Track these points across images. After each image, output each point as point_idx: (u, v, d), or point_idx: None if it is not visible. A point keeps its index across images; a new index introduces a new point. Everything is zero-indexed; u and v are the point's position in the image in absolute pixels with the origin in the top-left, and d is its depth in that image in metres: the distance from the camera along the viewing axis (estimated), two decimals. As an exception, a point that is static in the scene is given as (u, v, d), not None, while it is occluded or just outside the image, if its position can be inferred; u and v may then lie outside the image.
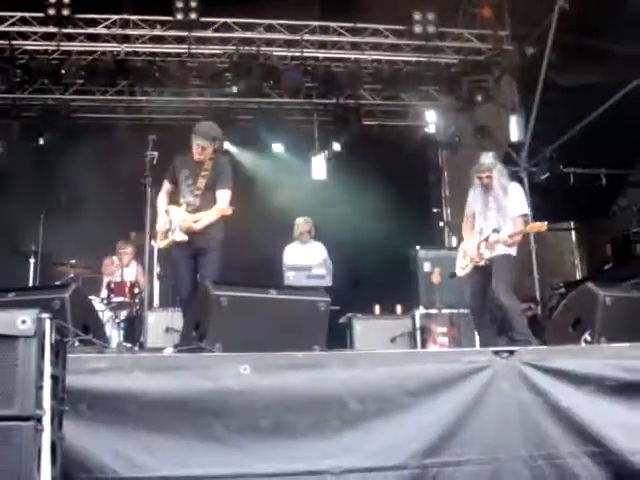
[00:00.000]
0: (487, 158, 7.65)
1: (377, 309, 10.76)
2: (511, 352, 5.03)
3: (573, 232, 14.42)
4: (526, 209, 7.77)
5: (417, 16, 11.98)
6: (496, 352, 5.06)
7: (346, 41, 12.57)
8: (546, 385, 4.92)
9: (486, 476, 4.74)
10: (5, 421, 3.14)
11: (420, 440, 4.73)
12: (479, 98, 12.56)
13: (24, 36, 11.82)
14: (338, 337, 9.62)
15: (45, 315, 3.30)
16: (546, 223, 7.47)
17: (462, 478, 4.72)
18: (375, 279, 11.59)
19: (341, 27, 12.44)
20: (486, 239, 7.50)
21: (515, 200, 7.60)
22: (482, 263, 7.50)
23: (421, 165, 14.64)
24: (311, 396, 4.68)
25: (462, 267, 7.77)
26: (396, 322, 10.40)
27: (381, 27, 12.45)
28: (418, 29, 12.01)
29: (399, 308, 10.70)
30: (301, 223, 10.79)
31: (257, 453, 4.52)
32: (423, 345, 9.66)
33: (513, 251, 7.48)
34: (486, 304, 7.60)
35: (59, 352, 3.63)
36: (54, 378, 3.49)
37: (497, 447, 4.78)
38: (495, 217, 7.56)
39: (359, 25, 12.43)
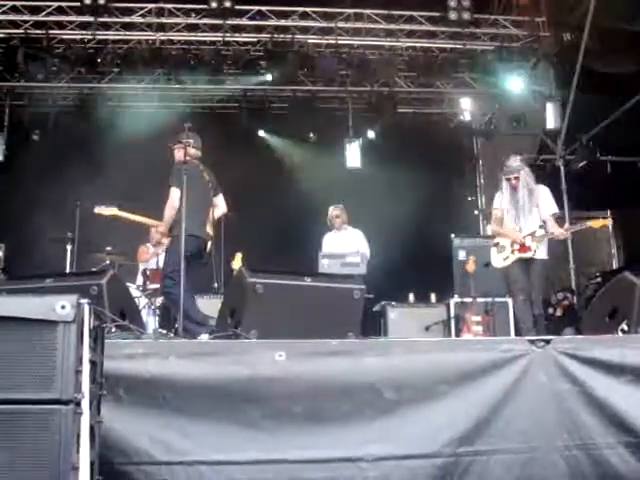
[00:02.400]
0: (514, 161, 8.02)
1: (411, 297, 10.75)
2: (547, 341, 5.00)
3: (610, 221, 14.23)
4: (557, 208, 8.13)
5: (452, 2, 11.85)
6: (532, 341, 5.03)
7: (381, 28, 12.49)
8: (582, 375, 4.88)
9: (520, 465, 4.73)
10: (45, 404, 3.18)
11: (454, 429, 4.72)
12: (515, 85, 12.44)
13: (60, 25, 11.91)
14: (372, 325, 9.63)
15: (84, 301, 3.34)
16: (609, 219, 8.11)
17: (496, 467, 4.71)
18: (409, 267, 11.56)
19: (376, 14, 12.36)
20: (532, 234, 7.80)
21: (546, 201, 8.01)
22: (529, 255, 7.79)
23: (456, 153, 14.51)
24: (345, 383, 4.69)
25: (504, 258, 8.01)
26: (430, 310, 10.39)
27: (416, 14, 12.36)
28: (453, 16, 11.89)
29: (433, 296, 10.68)
30: (330, 210, 10.84)
31: (291, 439, 4.55)
32: (457, 334, 9.64)
33: (547, 255, 7.88)
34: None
35: (97, 337, 3.68)
36: (92, 363, 3.53)
37: (532, 437, 4.76)
38: (530, 215, 7.90)
39: (394, 12, 12.34)
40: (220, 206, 7.94)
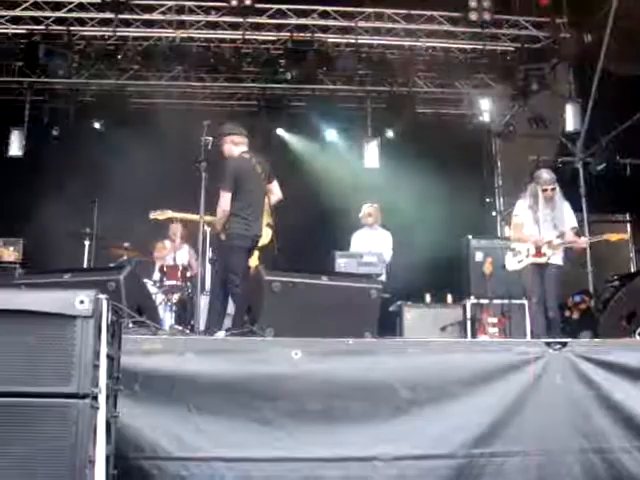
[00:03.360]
0: (548, 173, 8.22)
1: (428, 297, 10.72)
2: (564, 344, 4.99)
3: (628, 224, 14.16)
4: (576, 223, 8.29)
5: (473, 3, 11.79)
6: (548, 343, 5.02)
7: (400, 28, 12.46)
8: (599, 378, 4.87)
9: (536, 468, 4.72)
10: (63, 398, 3.21)
11: (469, 430, 4.72)
12: (534, 86, 12.37)
13: (81, 22, 11.96)
14: (388, 325, 9.61)
15: (102, 296, 3.36)
16: (628, 234, 7.93)
17: (511, 469, 4.70)
18: (426, 268, 11.52)
19: (395, 14, 12.32)
20: (549, 242, 7.89)
21: (569, 214, 8.17)
22: (542, 260, 7.88)
23: (474, 154, 14.45)
24: (361, 382, 4.70)
25: (518, 261, 8.10)
26: (447, 311, 10.36)
27: (436, 14, 12.31)
28: (473, 16, 11.83)
29: (450, 297, 10.65)
30: (364, 207, 10.88)
31: (306, 437, 4.56)
32: (473, 335, 9.60)
33: (562, 262, 7.99)
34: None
35: (115, 332, 3.70)
36: (110, 358, 3.55)
37: (547, 439, 4.75)
38: (552, 226, 8.00)
39: (413, 12, 12.30)
40: (275, 193, 7.73)
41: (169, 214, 8.64)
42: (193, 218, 7.64)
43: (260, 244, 7.50)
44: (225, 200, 7.17)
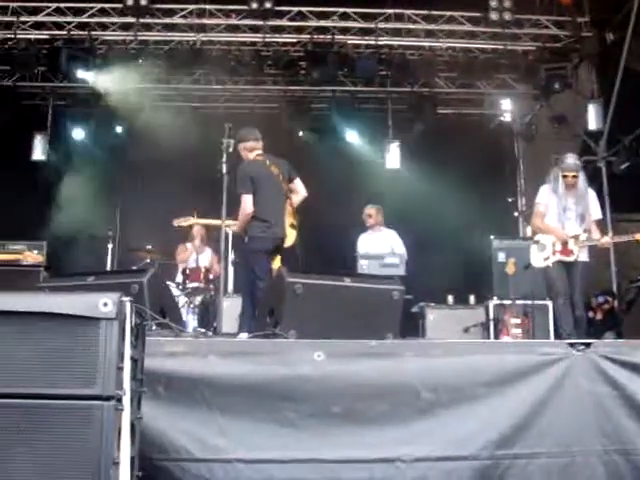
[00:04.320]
0: (573, 158, 7.82)
1: (450, 299, 10.70)
2: (587, 345, 4.96)
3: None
4: (601, 215, 7.99)
5: (493, 2, 11.78)
6: (572, 344, 4.99)
7: (421, 29, 12.45)
8: (623, 379, 4.83)
9: (559, 469, 4.69)
10: (87, 400, 3.22)
11: (492, 431, 4.70)
12: (556, 86, 12.31)
13: (103, 26, 12.07)
14: (411, 326, 9.61)
15: (126, 298, 3.38)
16: None
17: (535, 471, 4.67)
18: (449, 268, 11.49)
19: (416, 14, 12.33)
20: (576, 237, 7.67)
21: (594, 205, 7.88)
22: (571, 259, 7.67)
23: (496, 154, 14.41)
24: (383, 384, 4.69)
25: (544, 258, 7.83)
26: (469, 312, 10.34)
27: (456, 14, 12.30)
28: (494, 16, 11.81)
29: (472, 298, 10.62)
30: (365, 209, 10.86)
31: (329, 439, 4.56)
32: (496, 336, 9.57)
33: (588, 258, 7.79)
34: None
35: (138, 335, 3.72)
36: (134, 360, 3.57)
37: (571, 441, 4.72)
38: (575, 216, 7.76)
39: (434, 12, 12.30)
40: (299, 191, 7.74)
41: (192, 220, 8.70)
42: (215, 223, 7.65)
43: (285, 245, 7.51)
44: (247, 203, 7.20)
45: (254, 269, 7.19)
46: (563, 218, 7.77)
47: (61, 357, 3.26)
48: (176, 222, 8.71)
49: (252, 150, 7.55)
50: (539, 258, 7.91)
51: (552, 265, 7.75)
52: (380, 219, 10.86)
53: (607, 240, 7.75)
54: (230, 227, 7.53)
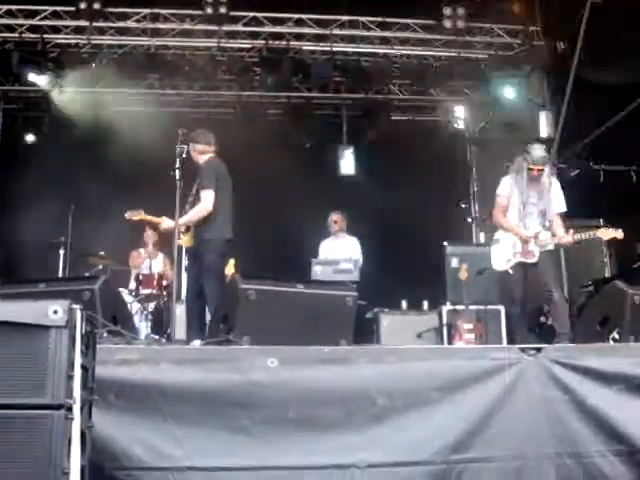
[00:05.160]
0: (541, 150, 7.41)
1: (404, 304, 10.75)
2: (538, 349, 5.01)
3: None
4: (565, 207, 7.66)
5: (447, 11, 11.90)
6: (523, 349, 5.04)
7: (375, 36, 12.51)
8: (574, 383, 4.90)
9: (512, 473, 4.73)
10: (37, 409, 3.18)
11: (446, 436, 4.73)
12: (509, 93, 12.47)
13: (56, 30, 11.91)
14: (365, 332, 9.63)
15: (76, 306, 3.33)
16: (621, 230, 7.48)
17: (488, 475, 4.72)
18: (402, 274, 11.56)
19: (370, 22, 12.37)
20: (536, 236, 7.45)
21: (558, 197, 7.59)
22: (531, 261, 7.45)
23: (450, 160, 14.49)
24: (338, 390, 4.69)
25: (506, 261, 7.58)
26: (423, 318, 10.39)
27: (411, 22, 12.38)
28: (448, 24, 11.93)
29: (426, 304, 10.68)
30: (331, 215, 10.89)
31: (283, 445, 4.55)
32: (449, 341, 9.62)
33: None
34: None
35: (89, 342, 3.67)
36: (84, 368, 3.52)
37: (524, 444, 4.77)
38: (537, 212, 7.54)
39: (388, 20, 12.36)
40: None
41: (142, 215, 8.61)
42: (167, 223, 7.58)
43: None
44: (209, 199, 7.19)
45: (207, 272, 7.16)
46: (524, 213, 7.50)
47: (10, 365, 3.21)
48: (127, 215, 8.64)
49: (203, 153, 7.53)
50: (500, 261, 7.65)
51: (513, 269, 7.51)
52: (344, 225, 10.92)
53: (568, 240, 7.38)
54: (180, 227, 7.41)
